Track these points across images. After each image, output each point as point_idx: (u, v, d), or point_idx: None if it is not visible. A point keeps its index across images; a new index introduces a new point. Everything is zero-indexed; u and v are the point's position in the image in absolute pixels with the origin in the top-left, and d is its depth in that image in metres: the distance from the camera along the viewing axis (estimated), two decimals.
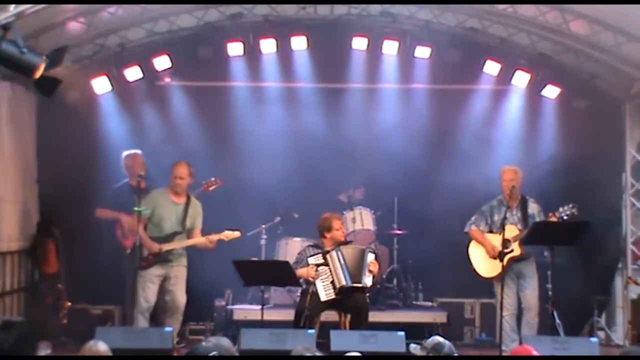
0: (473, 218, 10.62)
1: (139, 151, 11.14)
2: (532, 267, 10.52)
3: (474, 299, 11.92)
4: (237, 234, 10.28)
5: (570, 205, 10.12)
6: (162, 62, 11.79)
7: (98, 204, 11.15)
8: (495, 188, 10.87)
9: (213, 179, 11.17)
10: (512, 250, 10.21)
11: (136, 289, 10.13)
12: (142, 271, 10.13)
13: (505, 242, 10.12)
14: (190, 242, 10.33)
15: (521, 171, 10.59)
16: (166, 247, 10.20)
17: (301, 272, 9.92)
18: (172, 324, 10.18)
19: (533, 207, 10.47)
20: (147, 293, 10.12)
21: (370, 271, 10.00)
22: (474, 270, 10.62)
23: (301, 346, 6.23)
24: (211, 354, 5.74)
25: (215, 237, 10.20)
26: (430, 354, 6.23)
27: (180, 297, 10.27)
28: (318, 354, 6.21)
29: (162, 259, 10.19)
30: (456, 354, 6.29)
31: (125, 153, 11.15)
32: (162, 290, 10.27)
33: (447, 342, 6.30)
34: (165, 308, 10.32)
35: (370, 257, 10.05)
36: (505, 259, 10.06)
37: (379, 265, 10.29)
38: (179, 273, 10.30)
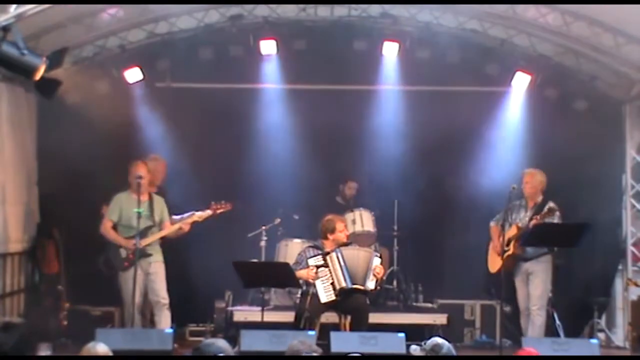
0: (498, 215, 10.69)
1: (162, 158, 11.15)
2: (539, 266, 10.54)
3: (474, 300, 11.90)
4: (209, 212, 10.40)
5: (547, 210, 10.30)
6: (133, 75, 11.83)
7: (105, 202, 11.15)
8: (496, 189, 10.88)
9: (223, 202, 11.03)
10: (508, 249, 10.30)
11: (123, 290, 10.22)
12: (124, 272, 10.19)
13: (508, 241, 10.29)
14: (165, 232, 10.42)
15: (540, 174, 10.67)
16: (143, 242, 10.24)
17: (301, 273, 9.91)
18: (162, 319, 10.20)
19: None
20: (133, 294, 10.12)
21: (375, 275, 10.00)
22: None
23: (296, 340, 6.21)
24: (219, 355, 5.72)
25: (188, 220, 10.38)
26: (429, 355, 6.26)
27: (162, 292, 10.31)
28: (315, 348, 6.21)
29: (142, 254, 10.23)
30: (454, 354, 6.31)
31: (150, 156, 11.13)
32: (145, 289, 10.32)
33: (446, 342, 6.33)
34: (152, 304, 10.37)
35: (376, 261, 10.06)
36: (504, 256, 10.29)
37: (383, 269, 10.33)
38: (158, 269, 10.37)
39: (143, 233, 10.29)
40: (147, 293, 10.35)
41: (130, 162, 10.55)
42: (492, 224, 10.80)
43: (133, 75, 11.88)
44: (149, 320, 10.65)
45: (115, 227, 10.38)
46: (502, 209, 10.50)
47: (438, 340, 6.36)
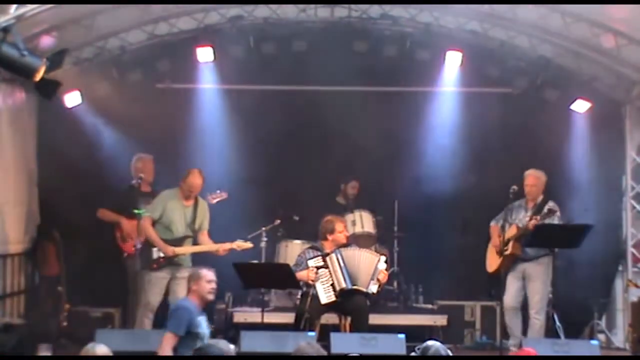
0: (498, 215, 10.69)
1: (150, 155, 11.15)
2: (537, 268, 10.58)
3: (474, 301, 11.89)
4: (249, 244, 10.29)
5: (546, 210, 10.27)
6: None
7: (101, 205, 11.16)
8: (496, 190, 10.88)
9: (218, 191, 11.15)
10: (507, 249, 10.29)
11: (141, 289, 10.16)
12: (150, 272, 10.15)
13: (507, 241, 10.28)
14: (203, 248, 10.34)
15: (543, 175, 10.72)
16: (179, 250, 10.22)
17: (301, 275, 9.89)
18: None
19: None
20: (153, 294, 10.15)
21: (378, 279, 9.99)
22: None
23: (303, 342, 6.27)
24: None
25: (228, 245, 10.21)
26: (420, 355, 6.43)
27: (182, 296, 10.28)
28: (322, 351, 6.26)
29: (173, 263, 10.22)
30: (443, 354, 6.41)
31: (136, 156, 11.14)
32: (166, 290, 10.31)
33: (436, 343, 6.50)
34: (168, 307, 10.35)
35: (382, 266, 10.04)
36: (503, 256, 10.35)
37: (387, 275, 10.32)
38: (185, 274, 10.33)
39: (179, 241, 10.27)
40: (166, 294, 10.32)
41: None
42: (492, 223, 10.84)
43: (133, 76, 11.84)
44: (152, 322, 10.63)
45: (153, 224, 10.28)
46: (502, 210, 10.53)
47: (429, 342, 6.51)
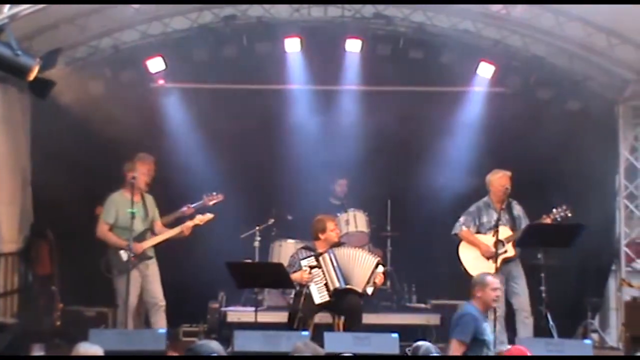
0: (462, 220, 10.66)
1: (150, 156, 11.13)
2: (520, 268, 10.59)
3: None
4: (209, 215, 10.32)
5: (564, 207, 10.22)
6: (155, 64, 11.78)
7: (99, 203, 11.13)
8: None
9: (214, 193, 11.16)
10: (506, 251, 10.26)
11: (120, 292, 10.12)
12: (124, 275, 10.12)
13: (498, 243, 10.16)
14: (168, 234, 10.35)
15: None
16: (147, 244, 10.23)
17: (295, 277, 9.87)
18: (159, 321, 10.17)
19: (517, 209, 10.61)
20: (131, 296, 10.09)
21: (375, 283, 9.99)
22: (465, 270, 10.62)
23: (300, 342, 6.28)
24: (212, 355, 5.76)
25: (190, 223, 10.29)
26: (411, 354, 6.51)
27: (159, 293, 10.28)
28: (319, 350, 6.27)
29: (144, 258, 10.22)
30: (434, 354, 6.45)
31: (139, 155, 11.11)
32: (142, 290, 10.28)
33: (425, 343, 6.63)
34: (148, 306, 10.33)
35: (380, 269, 10.04)
36: (500, 259, 10.17)
37: (383, 278, 10.32)
38: (154, 270, 10.33)
39: (141, 237, 10.25)
40: (142, 294, 10.31)
41: (124, 162, 10.57)
42: (463, 228, 10.65)
43: (126, 75, 11.84)
44: (143, 322, 10.62)
45: (110, 229, 10.31)
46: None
47: (418, 342, 6.55)
